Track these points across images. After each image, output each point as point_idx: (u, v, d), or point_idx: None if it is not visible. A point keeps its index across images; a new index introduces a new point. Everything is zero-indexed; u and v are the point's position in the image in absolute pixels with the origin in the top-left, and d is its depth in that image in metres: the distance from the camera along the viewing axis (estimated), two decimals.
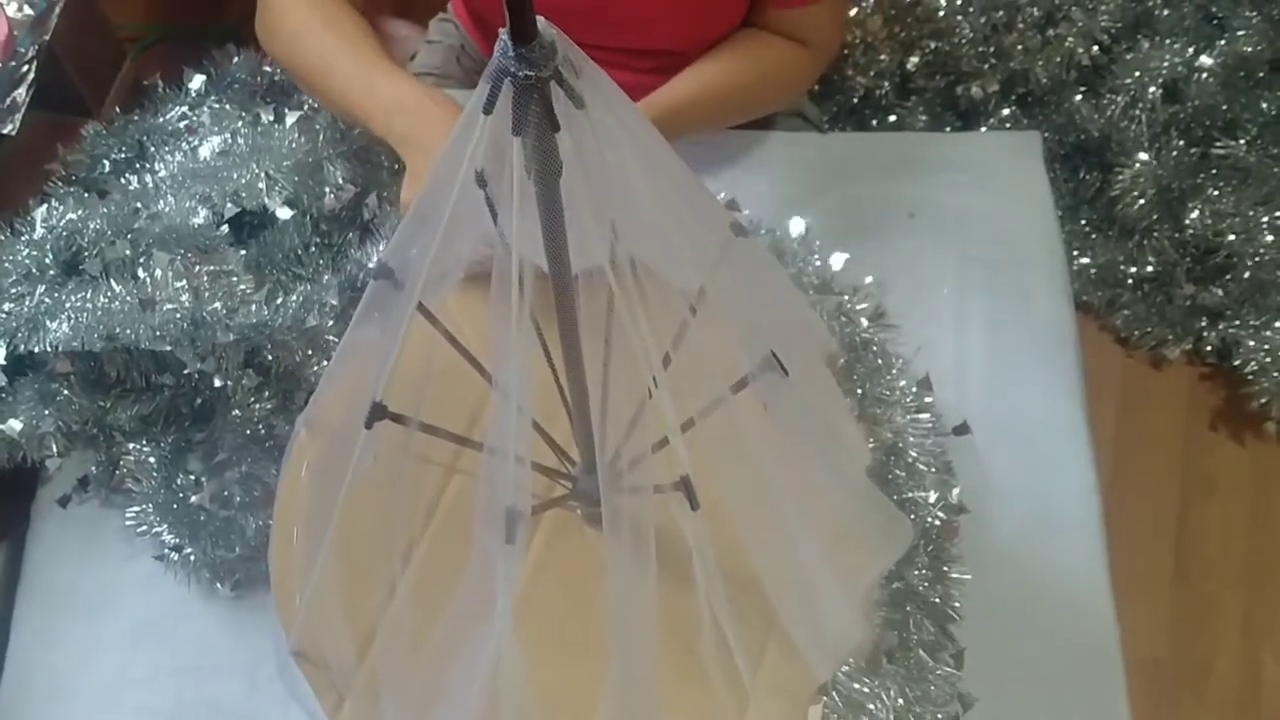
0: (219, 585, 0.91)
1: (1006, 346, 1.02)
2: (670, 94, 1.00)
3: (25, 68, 0.96)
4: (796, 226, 1.01)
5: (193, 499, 0.91)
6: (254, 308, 0.90)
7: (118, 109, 1.06)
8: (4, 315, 0.90)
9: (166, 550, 0.91)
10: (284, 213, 0.94)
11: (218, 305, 0.89)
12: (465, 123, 0.49)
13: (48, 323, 0.88)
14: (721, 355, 0.59)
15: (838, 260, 0.99)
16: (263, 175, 0.94)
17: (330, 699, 0.74)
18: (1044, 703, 0.87)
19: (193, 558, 0.90)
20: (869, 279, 0.99)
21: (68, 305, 0.89)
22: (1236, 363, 1.57)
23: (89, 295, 0.89)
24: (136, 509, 0.92)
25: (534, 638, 0.68)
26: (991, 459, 0.96)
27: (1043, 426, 0.98)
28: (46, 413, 0.91)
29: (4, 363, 0.89)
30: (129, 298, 0.88)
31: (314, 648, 0.74)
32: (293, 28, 0.95)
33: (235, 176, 0.95)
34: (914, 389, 0.93)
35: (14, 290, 0.91)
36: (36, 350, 0.88)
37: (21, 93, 0.96)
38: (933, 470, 0.89)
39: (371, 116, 0.90)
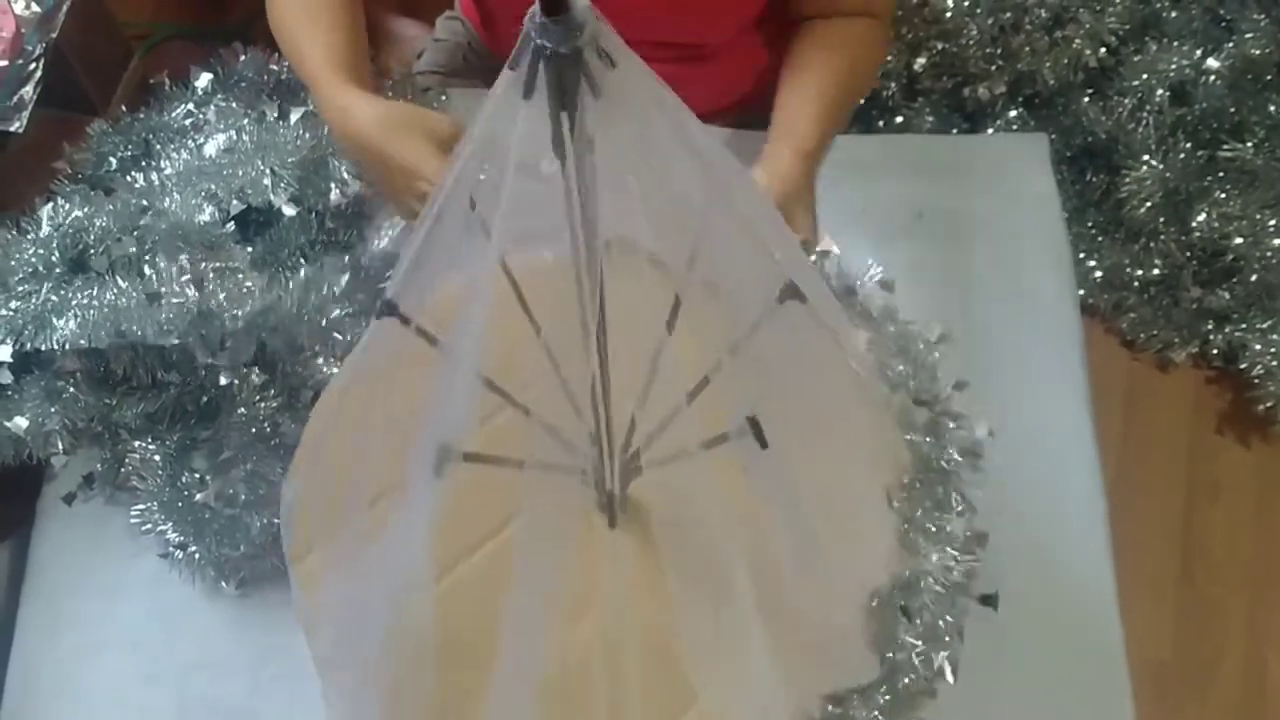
0: (224, 584, 0.91)
1: (1013, 348, 1.02)
2: (797, 117, 0.98)
3: (32, 65, 0.97)
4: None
5: (197, 497, 0.91)
6: (259, 301, 0.90)
7: (124, 107, 1.07)
8: (10, 313, 0.90)
9: (171, 548, 0.91)
10: (289, 209, 0.94)
11: (223, 298, 0.89)
12: (489, 125, 0.49)
13: (54, 320, 0.88)
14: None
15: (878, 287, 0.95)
16: (268, 172, 0.95)
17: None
18: (1049, 704, 0.87)
19: (197, 556, 0.90)
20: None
21: (74, 302, 0.89)
22: (1243, 366, 1.57)
23: (95, 292, 0.89)
24: (141, 507, 0.92)
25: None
26: (997, 461, 0.95)
27: (1049, 429, 0.98)
28: (53, 410, 0.91)
29: (10, 360, 0.89)
30: (135, 294, 0.88)
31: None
32: (276, 16, 0.99)
33: (240, 174, 0.95)
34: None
35: (20, 288, 0.91)
36: (43, 348, 0.88)
37: (29, 90, 0.96)
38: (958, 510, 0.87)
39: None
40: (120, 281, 0.90)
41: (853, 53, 1.04)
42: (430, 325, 0.58)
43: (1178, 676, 1.44)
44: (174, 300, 0.88)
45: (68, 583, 0.94)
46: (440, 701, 0.67)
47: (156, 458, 0.92)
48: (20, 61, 0.97)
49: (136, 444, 0.93)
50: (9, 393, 0.92)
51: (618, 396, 0.60)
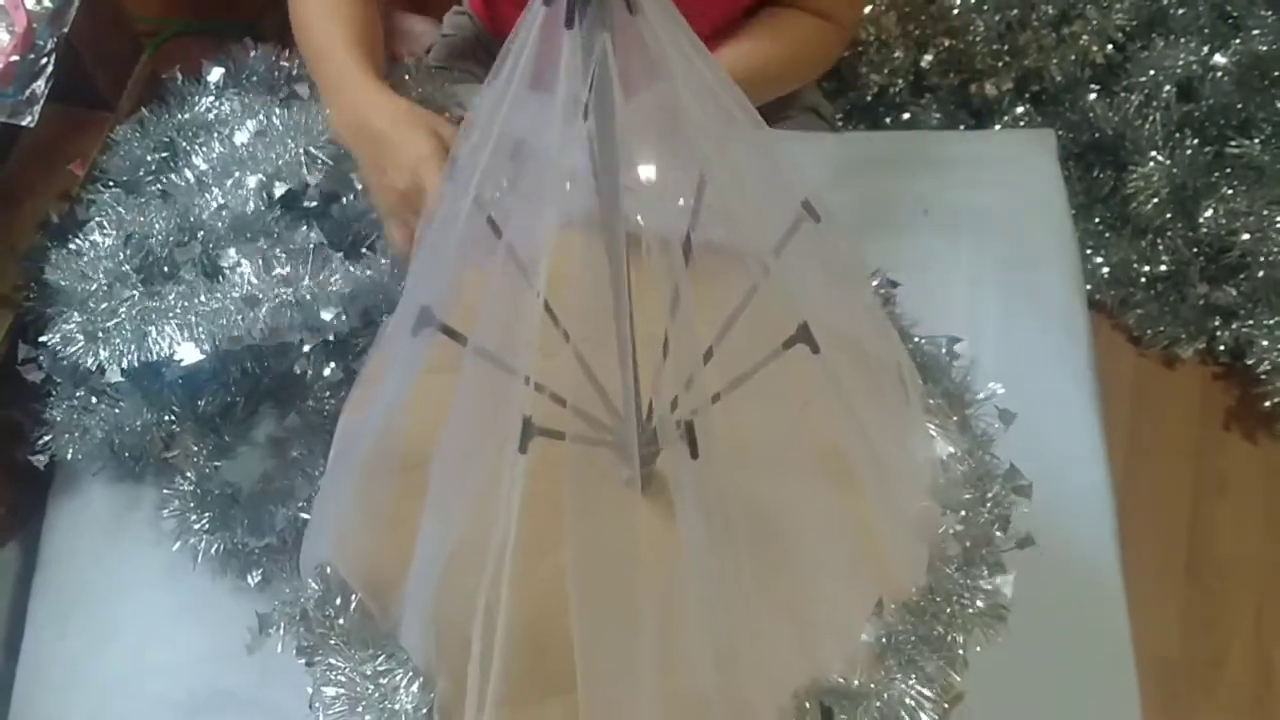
0: (246, 578, 0.92)
1: (1020, 344, 1.02)
2: None
3: (44, 60, 0.96)
4: None
5: (228, 479, 0.93)
6: (349, 281, 0.92)
7: (143, 108, 1.08)
8: (105, 332, 0.91)
9: (194, 536, 0.92)
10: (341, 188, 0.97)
11: (309, 282, 0.90)
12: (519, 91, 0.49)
13: (152, 331, 0.89)
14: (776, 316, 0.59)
15: None
16: (301, 153, 0.96)
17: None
18: (1055, 700, 0.87)
19: (220, 547, 0.91)
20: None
21: (169, 310, 0.90)
22: (1250, 362, 1.57)
23: (184, 296, 0.91)
24: (170, 490, 0.93)
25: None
26: (1004, 457, 0.95)
27: (1056, 425, 0.98)
28: (158, 413, 0.94)
29: (120, 379, 0.90)
30: (226, 295, 0.90)
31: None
32: (301, 14, 1.01)
33: (273, 157, 0.96)
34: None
35: (103, 306, 0.92)
36: (153, 358, 0.89)
37: (40, 85, 0.96)
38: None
39: (330, 110, 0.97)
40: (205, 282, 0.91)
41: (797, 46, 1.05)
42: (455, 320, 0.59)
43: (1184, 673, 1.44)
44: (274, 293, 0.89)
45: (78, 575, 0.95)
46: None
47: (197, 445, 0.94)
48: (32, 56, 0.97)
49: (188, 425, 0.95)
50: (119, 405, 0.94)
51: (645, 358, 0.60)
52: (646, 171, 0.54)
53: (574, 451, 0.59)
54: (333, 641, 0.74)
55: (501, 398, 0.55)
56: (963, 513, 0.78)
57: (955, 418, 0.82)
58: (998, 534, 0.79)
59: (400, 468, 0.70)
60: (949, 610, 0.75)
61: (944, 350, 0.87)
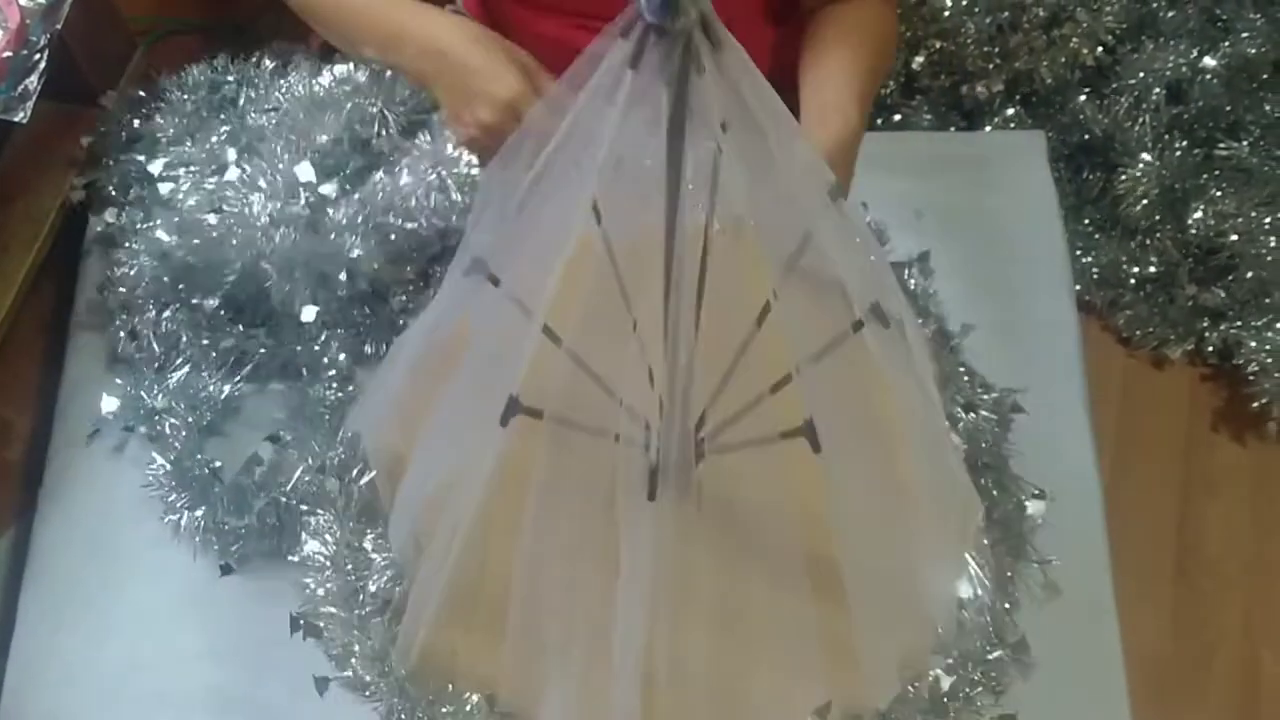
0: (225, 561, 0.92)
1: (1010, 345, 1.03)
2: (840, 95, 0.95)
3: (37, 56, 0.97)
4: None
5: (216, 464, 0.95)
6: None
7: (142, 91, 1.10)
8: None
9: (174, 513, 0.92)
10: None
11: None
12: (588, 104, 0.50)
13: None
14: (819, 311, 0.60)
15: None
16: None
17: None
18: (1046, 699, 0.87)
19: (200, 523, 0.91)
20: None
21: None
22: (1238, 363, 1.58)
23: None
24: (153, 469, 0.94)
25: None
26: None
27: (1046, 425, 0.99)
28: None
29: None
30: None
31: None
32: None
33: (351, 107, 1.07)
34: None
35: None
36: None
37: (33, 81, 0.96)
38: None
39: (398, 56, 0.91)
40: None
41: (873, 33, 1.03)
42: (520, 287, 0.60)
43: (1173, 671, 1.44)
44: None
45: (69, 571, 0.95)
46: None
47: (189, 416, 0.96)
48: (25, 52, 0.97)
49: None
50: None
51: (697, 376, 0.61)
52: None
53: (579, 440, 0.60)
54: (339, 504, 0.77)
55: (508, 364, 0.57)
56: (950, 660, 0.77)
57: (999, 567, 0.81)
58: (979, 700, 0.78)
59: (432, 375, 0.72)
60: None
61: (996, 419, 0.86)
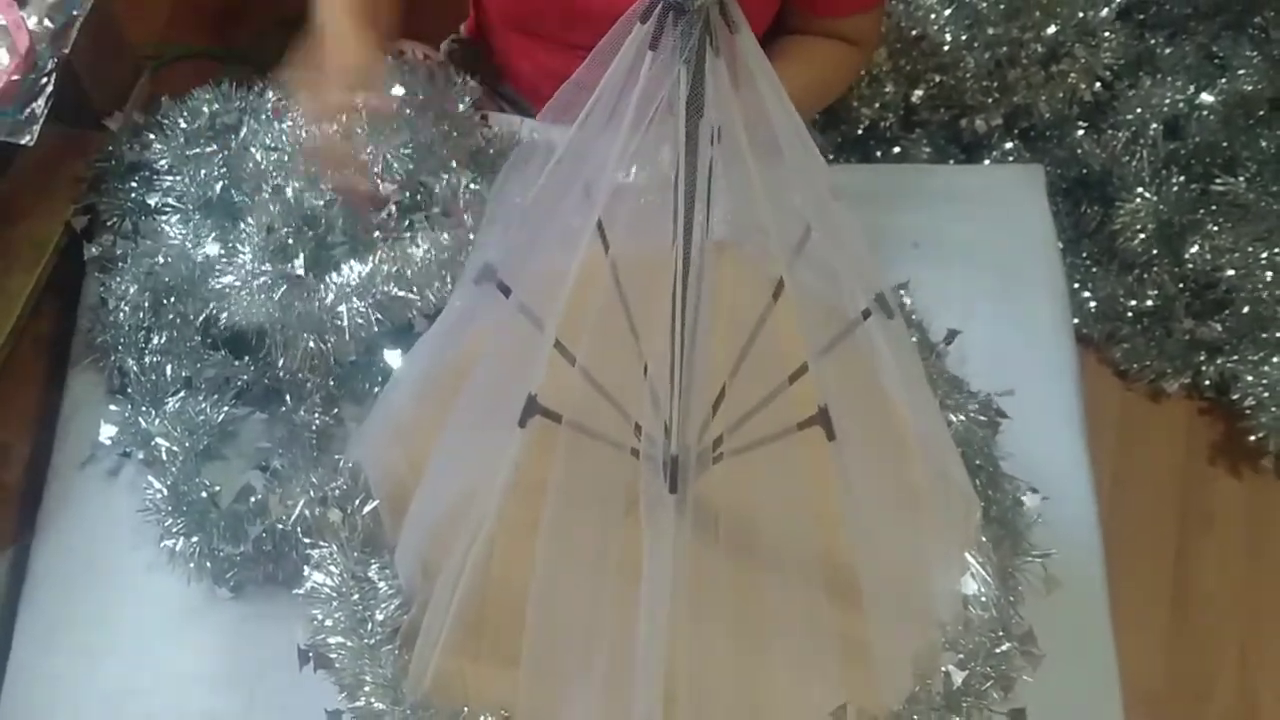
0: (218, 588, 0.92)
1: (1008, 378, 1.03)
2: None
3: (44, 80, 0.97)
4: None
5: (214, 488, 0.94)
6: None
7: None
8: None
9: (170, 539, 0.92)
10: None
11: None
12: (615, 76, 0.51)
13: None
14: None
15: None
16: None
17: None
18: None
19: (195, 550, 0.91)
20: None
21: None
22: (1235, 397, 1.58)
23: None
24: (151, 492, 0.94)
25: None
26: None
27: (1043, 458, 0.99)
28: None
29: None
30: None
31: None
32: None
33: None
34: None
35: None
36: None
37: (40, 104, 0.96)
38: None
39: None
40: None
41: (825, 71, 1.07)
42: (530, 297, 0.60)
43: (1170, 706, 1.44)
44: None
45: (67, 594, 0.94)
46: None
47: (186, 440, 0.96)
48: (32, 76, 0.98)
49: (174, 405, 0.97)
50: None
51: (700, 383, 0.61)
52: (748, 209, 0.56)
53: (595, 449, 0.60)
54: (344, 535, 0.77)
55: (523, 369, 0.57)
56: (960, 656, 0.77)
57: (1000, 563, 0.81)
58: (993, 694, 0.78)
59: (442, 394, 0.71)
60: None
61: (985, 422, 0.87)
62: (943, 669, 0.76)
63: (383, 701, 0.73)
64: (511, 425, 0.58)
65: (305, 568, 0.78)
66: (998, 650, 0.77)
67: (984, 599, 0.79)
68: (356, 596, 0.75)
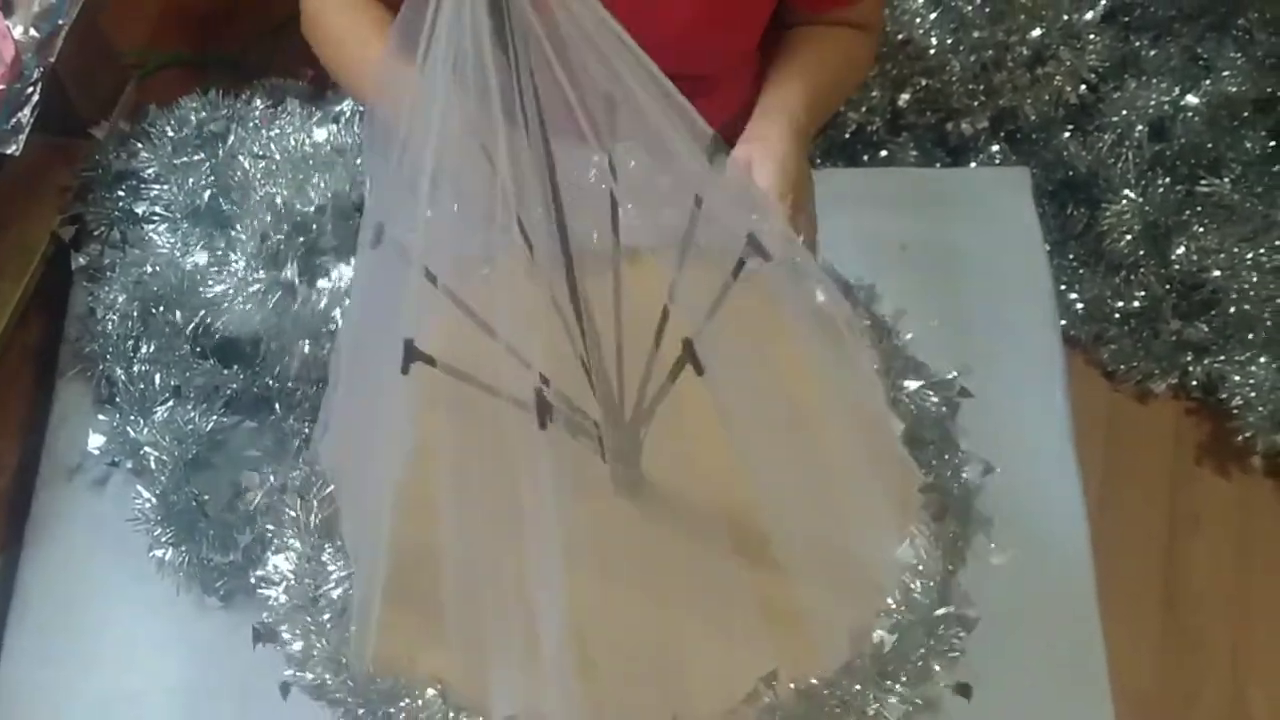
0: (206, 597, 0.92)
1: (996, 379, 1.03)
2: (789, 96, 0.97)
3: (30, 89, 0.97)
4: None
5: (203, 497, 0.94)
6: None
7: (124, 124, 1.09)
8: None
9: (159, 548, 0.92)
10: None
11: None
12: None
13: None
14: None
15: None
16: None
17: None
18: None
19: (185, 559, 0.91)
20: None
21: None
22: (1222, 397, 1.59)
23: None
24: (140, 501, 0.94)
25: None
26: (979, 490, 0.96)
27: (1031, 459, 0.99)
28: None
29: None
30: None
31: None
32: (314, 6, 0.99)
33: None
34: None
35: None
36: None
37: (26, 114, 0.97)
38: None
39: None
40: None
41: (841, 59, 1.06)
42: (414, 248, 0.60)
43: (1159, 706, 1.44)
44: None
45: (55, 605, 0.94)
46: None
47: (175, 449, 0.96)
48: (19, 86, 0.98)
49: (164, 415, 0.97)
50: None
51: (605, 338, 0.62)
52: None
53: (485, 401, 0.60)
54: (301, 521, 0.78)
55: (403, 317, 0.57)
56: (894, 621, 0.77)
57: (950, 532, 0.81)
58: (935, 667, 0.78)
59: (355, 380, 0.72)
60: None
61: (939, 401, 0.86)
62: (877, 634, 0.76)
63: (329, 674, 0.74)
64: (395, 375, 0.57)
65: (266, 553, 0.79)
66: (935, 614, 0.77)
67: (922, 568, 0.79)
68: (310, 580, 0.76)
